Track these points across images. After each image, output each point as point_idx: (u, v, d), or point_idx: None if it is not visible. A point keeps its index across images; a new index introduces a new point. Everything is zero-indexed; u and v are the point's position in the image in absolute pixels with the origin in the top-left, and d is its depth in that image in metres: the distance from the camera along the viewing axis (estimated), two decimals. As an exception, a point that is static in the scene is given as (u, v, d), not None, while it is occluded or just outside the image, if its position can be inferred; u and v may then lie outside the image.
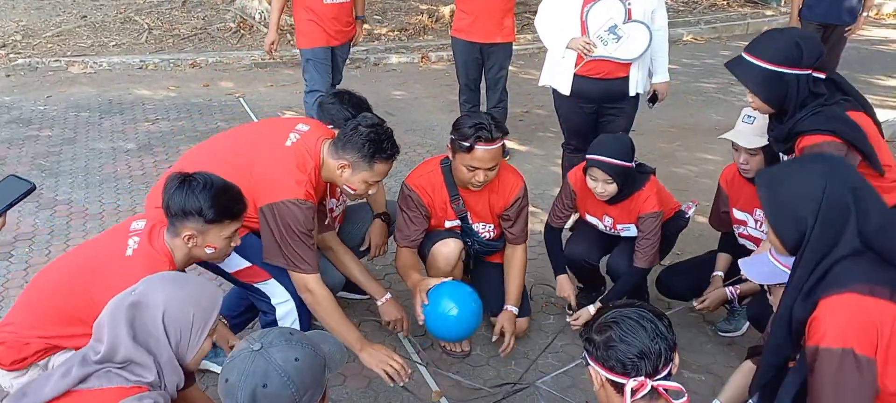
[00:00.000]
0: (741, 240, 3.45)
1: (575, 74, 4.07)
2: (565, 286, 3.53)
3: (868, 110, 2.73)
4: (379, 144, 2.69)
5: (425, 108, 7.07)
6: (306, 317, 2.95)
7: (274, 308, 2.87)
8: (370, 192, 2.88)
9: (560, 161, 4.71)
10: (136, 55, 8.47)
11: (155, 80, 7.78)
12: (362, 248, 3.52)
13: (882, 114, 5.10)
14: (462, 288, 3.05)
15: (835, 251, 1.84)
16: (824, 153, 2.09)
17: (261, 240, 2.79)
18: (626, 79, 4.05)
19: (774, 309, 2.28)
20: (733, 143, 3.21)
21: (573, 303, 3.49)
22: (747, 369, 2.56)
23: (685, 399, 1.72)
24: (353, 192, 2.84)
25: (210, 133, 6.16)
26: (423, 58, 8.83)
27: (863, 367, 1.76)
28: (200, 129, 6.28)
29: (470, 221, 3.29)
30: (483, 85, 5.66)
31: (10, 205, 1.45)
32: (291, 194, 2.66)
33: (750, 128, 3.13)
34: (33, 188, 1.51)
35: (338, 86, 5.65)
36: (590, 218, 3.52)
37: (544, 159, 5.81)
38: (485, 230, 3.34)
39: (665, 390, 1.70)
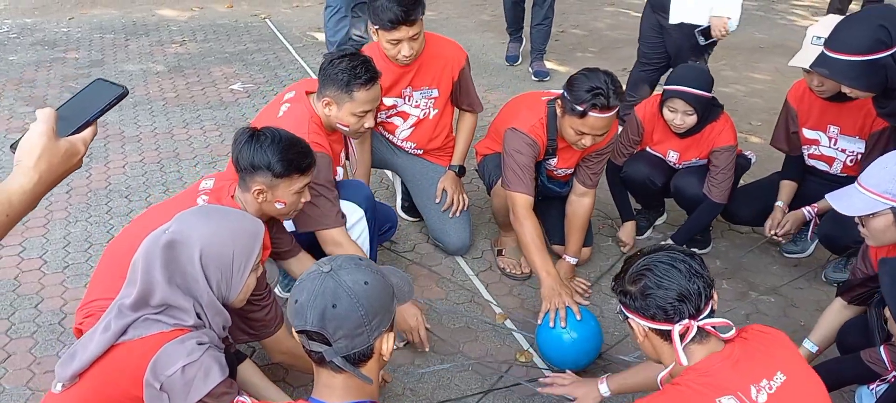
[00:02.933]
0: (811, 162, 3.32)
1: None
2: (629, 233, 3.47)
3: None
4: (353, 72, 2.59)
5: (458, 29, 6.84)
6: (375, 238, 2.90)
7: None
8: (366, 125, 2.72)
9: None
10: (157, -25, 8.23)
11: (178, 1, 7.58)
12: (437, 201, 3.37)
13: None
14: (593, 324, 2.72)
15: None
16: None
17: None
18: None
19: (869, 237, 2.17)
20: (806, 69, 3.04)
21: (628, 247, 3.45)
22: (838, 307, 2.46)
23: (733, 331, 1.65)
24: (346, 128, 2.71)
25: (240, 55, 6.03)
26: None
27: None
28: (229, 51, 6.13)
29: (549, 160, 3.13)
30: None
31: (103, 112, 1.32)
32: None
33: (821, 49, 2.96)
34: (126, 92, 1.37)
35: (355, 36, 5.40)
36: (653, 153, 3.39)
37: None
38: (562, 171, 3.18)
39: (713, 326, 1.63)
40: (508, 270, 3.28)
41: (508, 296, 3.15)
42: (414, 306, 2.73)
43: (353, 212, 2.76)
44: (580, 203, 3.18)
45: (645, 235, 3.59)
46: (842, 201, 2.16)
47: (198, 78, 5.48)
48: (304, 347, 1.51)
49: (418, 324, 2.69)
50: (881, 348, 2.15)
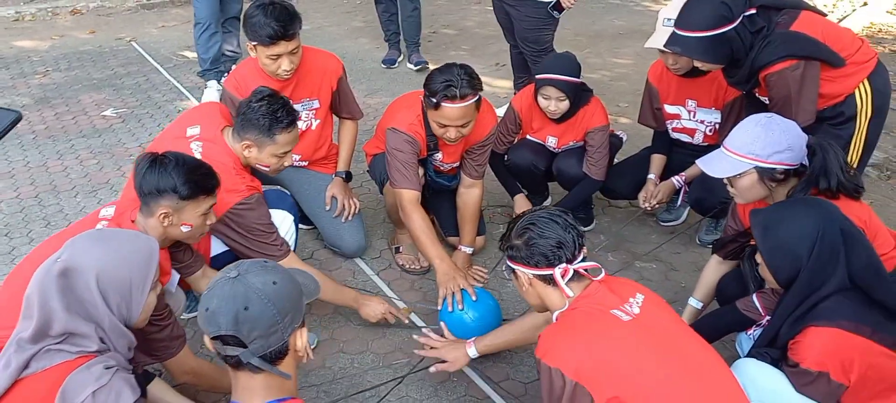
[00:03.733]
0: (675, 135, 3.58)
1: None
2: (522, 204, 3.62)
3: (803, 6, 2.79)
4: (274, 116, 2.63)
5: (332, 37, 6.89)
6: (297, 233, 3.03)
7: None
8: (285, 164, 2.78)
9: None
10: (10, 7, 7.83)
11: (35, 31, 7.24)
12: (328, 209, 3.41)
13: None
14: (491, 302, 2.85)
15: (826, 286, 1.97)
16: (817, 198, 2.18)
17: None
18: None
19: (737, 196, 2.40)
20: (660, 49, 3.28)
21: None
22: (714, 264, 2.69)
23: (602, 274, 1.91)
24: (267, 169, 2.77)
25: (109, 80, 5.84)
26: (316, -14, 8.57)
27: (833, 386, 1.95)
28: (97, 77, 5.92)
29: (435, 156, 3.24)
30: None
31: (1, 136, 1.33)
32: (237, 198, 2.65)
33: (671, 30, 3.20)
34: (20, 116, 1.37)
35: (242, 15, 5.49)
36: (534, 140, 3.57)
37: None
38: (447, 164, 3.28)
39: (585, 270, 1.89)
40: (407, 266, 3.37)
41: (411, 291, 3.24)
42: (371, 298, 2.94)
43: (285, 218, 2.82)
44: (469, 194, 3.31)
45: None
46: (711, 165, 2.37)
47: (67, 107, 5.27)
48: (218, 353, 1.55)
49: (386, 308, 2.87)
50: (754, 296, 2.38)
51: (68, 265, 1.80)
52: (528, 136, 3.58)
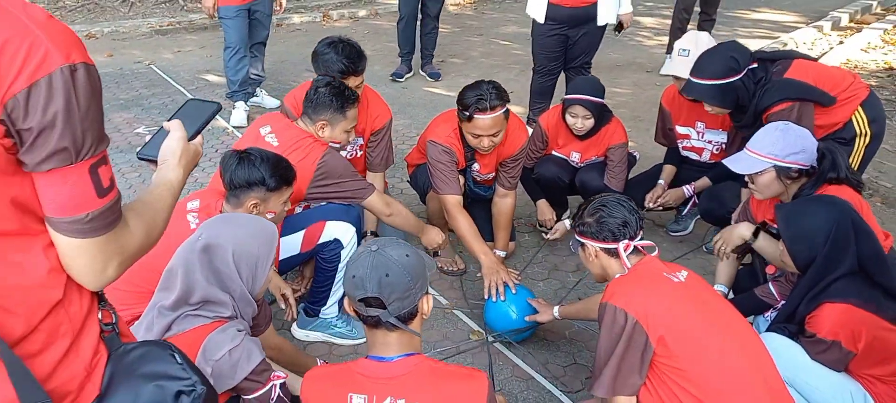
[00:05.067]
0: (685, 153, 3.97)
1: (549, 3, 4.84)
2: (545, 210, 3.96)
3: (795, 55, 3.32)
4: (342, 95, 3.01)
5: (343, 64, 7.22)
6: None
7: (341, 243, 3.05)
8: (351, 139, 3.16)
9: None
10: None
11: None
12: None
13: (752, 45, 5.85)
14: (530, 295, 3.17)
15: (838, 269, 2.33)
16: (833, 196, 2.54)
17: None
18: (595, 6, 4.81)
19: (757, 191, 2.78)
20: (675, 76, 3.69)
21: (552, 223, 3.90)
22: (728, 260, 3.06)
23: (656, 251, 2.26)
24: (337, 145, 3.12)
25: (135, 100, 6.13)
26: (325, 16, 8.95)
27: (844, 353, 2.30)
28: (123, 97, 6.21)
29: (472, 166, 3.59)
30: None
31: (206, 124, 1.62)
32: (322, 149, 3.00)
33: (687, 60, 3.59)
34: (220, 107, 1.67)
35: (267, 41, 5.93)
36: (558, 155, 3.93)
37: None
38: (483, 174, 3.63)
39: (643, 247, 2.25)
40: (446, 268, 3.69)
41: (450, 290, 3.57)
42: (432, 228, 3.43)
43: (347, 230, 3.06)
44: (503, 203, 3.65)
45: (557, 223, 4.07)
46: (737, 163, 2.77)
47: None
48: (359, 314, 1.85)
49: (444, 238, 3.44)
50: (770, 284, 2.75)
51: (209, 242, 2.11)
52: (553, 152, 3.94)
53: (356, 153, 3.70)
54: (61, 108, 1.09)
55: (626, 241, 2.22)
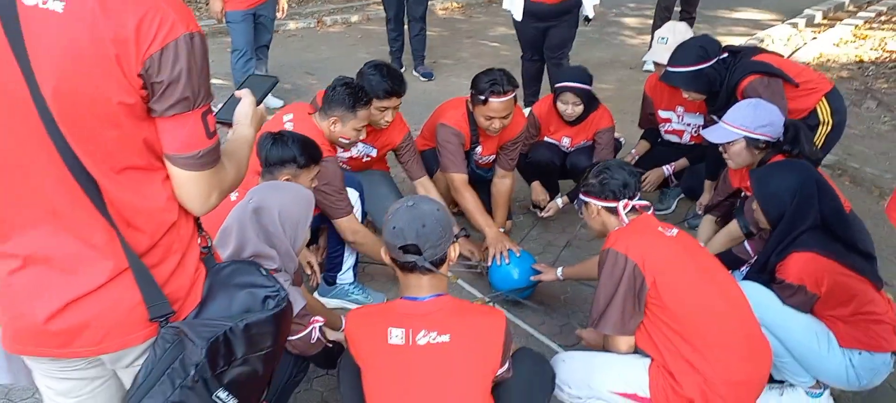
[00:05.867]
0: (667, 136, 4.33)
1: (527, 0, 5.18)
2: (539, 191, 4.29)
3: (759, 50, 3.72)
4: (356, 96, 3.29)
5: (340, 67, 7.52)
6: (364, 213, 3.59)
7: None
8: (361, 137, 3.44)
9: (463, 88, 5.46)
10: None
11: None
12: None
13: (731, 42, 6.25)
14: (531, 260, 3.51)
15: (804, 223, 2.65)
16: (799, 161, 2.91)
17: None
18: (567, 2, 5.19)
19: (730, 160, 3.12)
20: (655, 62, 4.05)
21: (545, 203, 4.24)
22: (708, 223, 3.42)
23: (651, 209, 2.57)
24: (346, 141, 3.39)
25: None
26: (318, 22, 9.25)
27: (809, 295, 2.62)
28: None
29: (476, 150, 3.91)
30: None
31: (266, 94, 1.93)
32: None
33: (666, 47, 3.96)
34: (277, 80, 1.99)
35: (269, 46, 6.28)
36: (550, 141, 4.26)
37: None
38: (485, 157, 3.96)
39: (640, 206, 2.55)
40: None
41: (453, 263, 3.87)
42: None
43: (352, 194, 3.40)
44: (502, 183, 3.99)
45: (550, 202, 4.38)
46: (712, 134, 3.13)
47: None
48: (395, 260, 2.15)
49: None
50: (746, 242, 3.09)
51: (259, 205, 2.41)
52: (545, 138, 4.27)
53: (362, 157, 3.94)
54: (184, 66, 1.40)
55: (626, 201, 2.51)
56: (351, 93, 3.28)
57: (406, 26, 7.01)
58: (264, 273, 1.64)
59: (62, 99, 1.35)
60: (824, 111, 3.55)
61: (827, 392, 2.75)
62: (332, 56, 7.99)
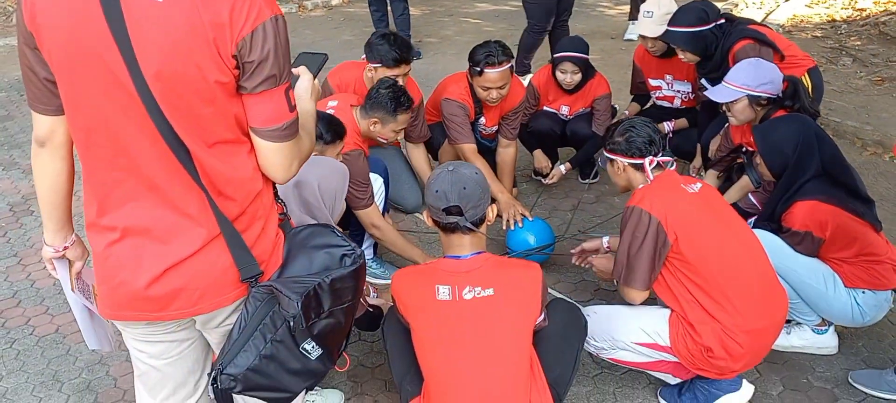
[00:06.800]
0: (659, 102, 4.51)
1: None
2: (541, 158, 4.44)
3: (753, 22, 3.92)
4: (398, 100, 3.38)
5: (326, 48, 7.61)
6: (388, 197, 3.73)
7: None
8: (399, 138, 3.57)
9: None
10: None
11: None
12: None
13: None
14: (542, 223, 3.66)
15: (805, 174, 2.80)
16: (798, 114, 3.07)
17: None
18: None
19: (733, 118, 3.29)
20: (641, 35, 4.21)
21: (548, 170, 4.38)
22: (711, 178, 3.59)
23: (674, 165, 2.69)
24: (384, 141, 3.52)
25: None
26: (300, 7, 9.30)
27: (815, 240, 2.78)
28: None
29: (480, 120, 4.05)
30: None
31: (319, 70, 2.04)
32: (349, 148, 3.27)
33: (651, 20, 4.10)
34: (327, 57, 2.09)
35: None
36: (549, 110, 4.41)
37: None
38: (488, 128, 4.11)
39: (664, 162, 2.65)
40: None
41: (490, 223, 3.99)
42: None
43: (375, 179, 3.49)
44: (506, 152, 4.14)
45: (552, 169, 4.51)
46: (716, 94, 3.28)
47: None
48: (437, 222, 2.29)
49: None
50: (751, 195, 3.26)
51: (299, 179, 2.52)
52: (545, 108, 4.42)
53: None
54: (271, 46, 1.51)
55: (651, 157, 2.60)
56: (393, 98, 3.36)
57: (389, 7, 7.08)
58: (339, 233, 1.76)
59: (164, 81, 1.46)
60: (807, 84, 3.75)
61: (831, 329, 2.94)
62: (317, 39, 8.07)
